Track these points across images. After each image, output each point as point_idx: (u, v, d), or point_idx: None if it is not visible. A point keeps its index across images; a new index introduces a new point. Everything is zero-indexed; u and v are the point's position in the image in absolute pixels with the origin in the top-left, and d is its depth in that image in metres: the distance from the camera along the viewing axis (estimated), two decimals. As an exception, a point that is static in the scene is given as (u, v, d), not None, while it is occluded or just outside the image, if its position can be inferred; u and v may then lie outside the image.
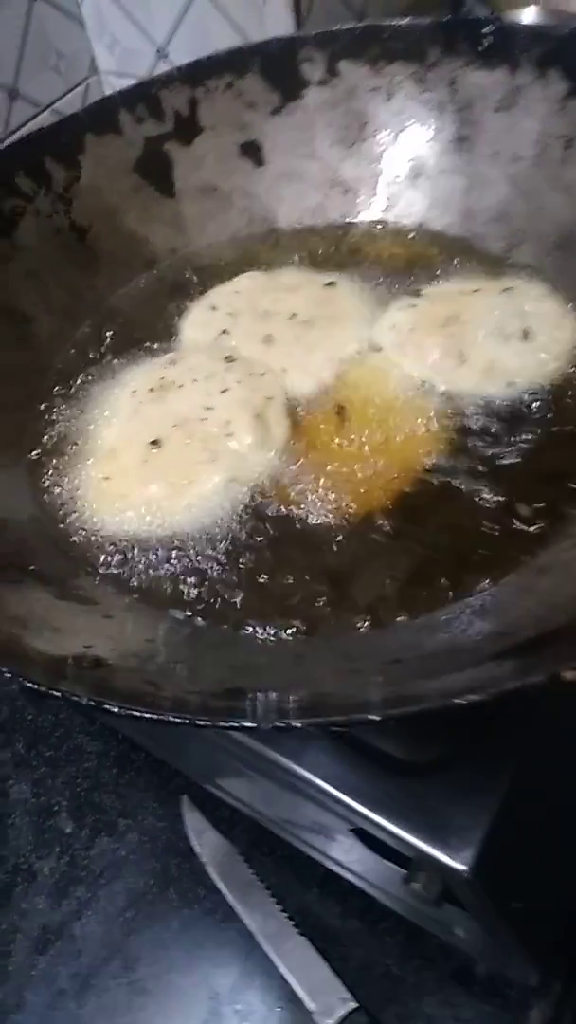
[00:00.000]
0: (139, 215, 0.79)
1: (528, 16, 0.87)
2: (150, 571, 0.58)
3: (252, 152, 0.81)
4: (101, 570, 0.58)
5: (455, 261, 0.74)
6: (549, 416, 0.62)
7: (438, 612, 0.53)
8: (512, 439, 0.61)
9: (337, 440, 0.62)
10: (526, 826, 0.59)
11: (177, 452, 0.61)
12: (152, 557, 0.58)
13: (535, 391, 0.63)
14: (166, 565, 0.58)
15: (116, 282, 0.77)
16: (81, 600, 0.56)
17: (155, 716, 0.39)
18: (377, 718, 0.38)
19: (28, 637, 0.48)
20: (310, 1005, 0.70)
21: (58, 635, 0.50)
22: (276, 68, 0.79)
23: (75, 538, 0.60)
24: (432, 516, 0.58)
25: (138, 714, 0.39)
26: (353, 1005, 0.70)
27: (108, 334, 0.74)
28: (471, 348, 0.64)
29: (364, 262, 0.76)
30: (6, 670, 0.44)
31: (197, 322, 0.72)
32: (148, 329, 0.74)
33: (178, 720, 0.38)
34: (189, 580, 0.57)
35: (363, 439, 0.61)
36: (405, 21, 0.75)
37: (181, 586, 0.57)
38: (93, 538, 0.60)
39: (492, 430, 0.61)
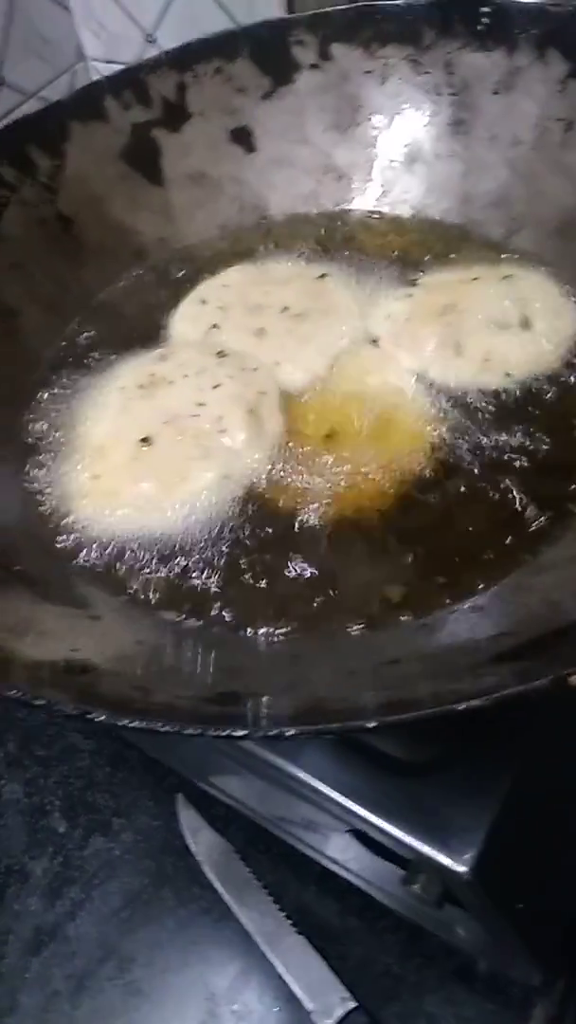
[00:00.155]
0: (126, 204, 0.77)
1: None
2: (141, 572, 0.56)
3: (243, 138, 0.79)
4: (90, 571, 0.57)
5: (453, 249, 0.72)
6: (549, 408, 0.60)
7: (437, 612, 0.52)
8: (511, 432, 0.59)
9: (332, 436, 0.60)
10: (528, 825, 0.58)
11: (168, 449, 0.60)
12: (143, 557, 0.57)
13: (535, 382, 0.61)
14: (157, 565, 0.56)
15: (104, 274, 0.75)
16: (69, 602, 0.54)
17: (142, 725, 0.37)
18: (372, 726, 0.37)
19: (10, 641, 0.46)
20: (308, 1005, 0.70)
21: (43, 639, 0.48)
22: (267, 52, 0.78)
23: (63, 537, 0.58)
24: (429, 513, 0.56)
25: (124, 723, 0.38)
26: (352, 1004, 0.69)
27: (96, 328, 0.72)
28: (468, 338, 0.62)
29: (359, 251, 0.75)
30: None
31: (187, 316, 0.71)
32: (137, 323, 0.72)
33: (166, 729, 0.37)
34: (181, 581, 0.55)
35: (358, 435, 0.60)
36: (399, 1, 0.74)
37: (173, 587, 0.55)
38: (82, 538, 0.58)
39: (490, 423, 0.60)
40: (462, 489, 0.57)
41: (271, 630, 0.53)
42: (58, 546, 0.58)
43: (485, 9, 0.71)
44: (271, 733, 0.38)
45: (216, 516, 0.57)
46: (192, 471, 0.58)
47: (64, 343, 0.71)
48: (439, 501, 0.57)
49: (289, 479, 0.58)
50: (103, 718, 0.38)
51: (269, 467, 0.59)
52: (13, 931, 0.77)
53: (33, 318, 0.71)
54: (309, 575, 0.55)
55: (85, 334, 0.72)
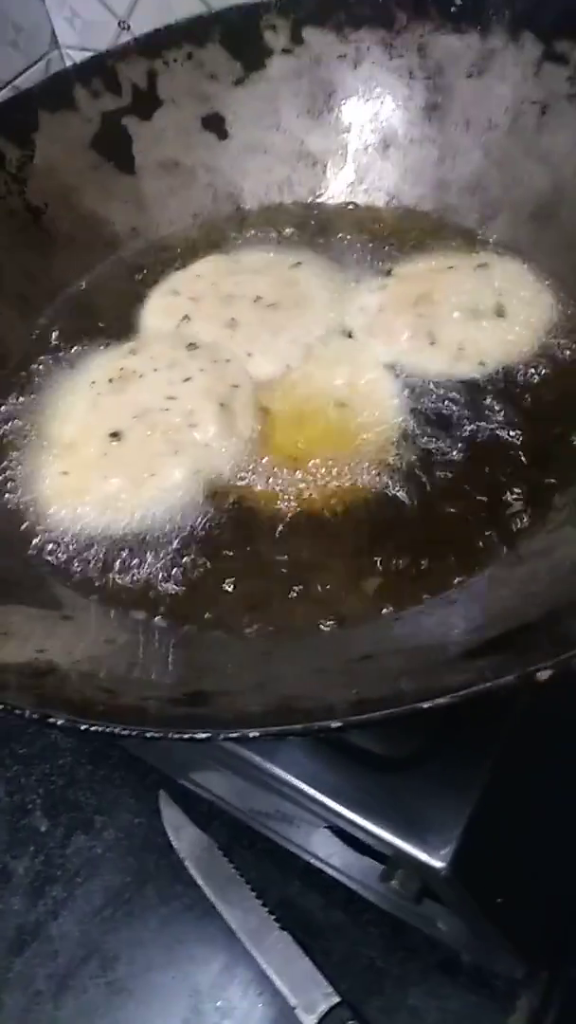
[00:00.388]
0: (98, 194, 0.76)
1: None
2: (111, 570, 0.55)
3: (215, 125, 0.78)
4: (60, 570, 0.56)
5: (428, 237, 0.71)
6: (524, 397, 0.59)
7: (410, 606, 0.51)
8: (486, 423, 0.58)
9: (303, 430, 0.59)
10: (506, 820, 0.58)
11: (138, 444, 0.59)
12: (113, 555, 0.56)
13: (509, 371, 0.60)
14: (128, 563, 0.55)
15: (75, 265, 0.74)
16: (38, 603, 0.53)
17: (103, 728, 0.37)
18: (337, 726, 0.36)
19: (-26, 643, 0.46)
20: (292, 1000, 0.69)
21: (8, 640, 0.47)
22: (238, 37, 0.76)
23: (32, 536, 0.57)
24: (402, 508, 0.55)
25: (85, 727, 0.37)
26: (335, 1000, 0.69)
27: (66, 321, 0.71)
28: (442, 328, 0.61)
29: (334, 240, 0.74)
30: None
31: (158, 308, 0.70)
32: (108, 316, 0.71)
33: (126, 733, 0.36)
34: (151, 578, 0.55)
35: (330, 428, 0.59)
36: (371, -17, 0.72)
37: (143, 585, 0.54)
38: (51, 536, 0.57)
39: (464, 414, 0.59)
40: (436, 482, 0.56)
41: (242, 628, 0.52)
42: (27, 545, 0.57)
43: (458, -10, 0.69)
44: (234, 735, 0.38)
45: (187, 512, 0.57)
46: (162, 466, 0.57)
47: (33, 337, 0.70)
48: (413, 495, 0.56)
49: (260, 474, 0.57)
50: (62, 722, 0.38)
51: (241, 462, 0.58)
52: (-5, 931, 0.77)
53: (1, 311, 0.70)
54: (281, 572, 0.54)
55: (55, 327, 0.71)
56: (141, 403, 0.61)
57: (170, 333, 0.67)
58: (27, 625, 0.50)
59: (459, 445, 0.58)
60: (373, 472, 0.57)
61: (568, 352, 0.61)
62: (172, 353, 0.64)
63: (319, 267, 0.70)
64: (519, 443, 0.57)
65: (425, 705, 0.36)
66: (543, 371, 0.60)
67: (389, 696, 0.39)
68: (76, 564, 0.56)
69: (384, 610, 0.51)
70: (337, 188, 0.78)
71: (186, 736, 0.37)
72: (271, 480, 0.57)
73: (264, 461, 0.58)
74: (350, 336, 0.65)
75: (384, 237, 0.73)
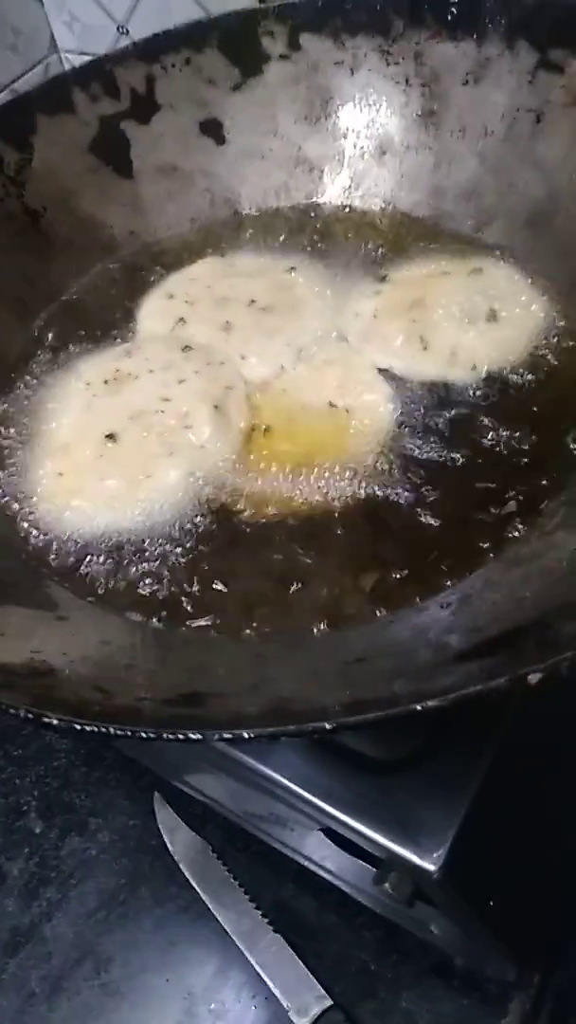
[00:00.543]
0: (96, 198, 0.76)
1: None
2: (106, 571, 0.55)
3: (213, 130, 0.78)
4: (56, 571, 0.56)
5: (423, 242, 0.72)
6: (517, 402, 0.60)
7: (403, 609, 0.51)
8: (479, 428, 0.59)
9: (297, 433, 0.60)
10: (498, 823, 0.58)
11: (133, 446, 0.59)
12: (109, 556, 0.56)
13: (502, 375, 0.61)
14: (123, 565, 0.56)
15: (72, 268, 0.74)
16: (35, 604, 0.54)
17: (96, 728, 0.37)
18: (329, 727, 0.37)
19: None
20: (285, 1003, 0.69)
21: (4, 641, 0.48)
22: (236, 43, 0.77)
23: (28, 537, 0.58)
24: (396, 511, 0.56)
25: (79, 727, 0.37)
26: (328, 1003, 0.69)
27: (63, 323, 0.71)
28: (434, 333, 0.62)
29: (330, 245, 0.74)
30: None
31: (153, 311, 0.70)
32: (104, 318, 0.71)
33: (120, 733, 0.37)
34: (148, 580, 0.55)
35: (323, 432, 0.59)
36: (368, -10, 0.73)
37: (139, 586, 0.55)
38: (47, 536, 0.57)
39: (457, 419, 0.59)
40: (429, 486, 0.56)
41: (237, 630, 0.52)
42: (23, 546, 0.57)
43: (454, -2, 0.70)
44: (228, 736, 0.38)
45: (182, 514, 0.57)
46: (157, 468, 0.58)
47: (30, 339, 0.70)
48: (405, 498, 0.56)
49: (254, 476, 0.58)
50: (57, 722, 0.38)
51: (235, 463, 0.59)
52: (-12, 933, 0.76)
53: (-1, 314, 0.70)
54: (275, 574, 0.54)
55: (51, 329, 0.71)
56: (136, 405, 0.61)
57: (165, 335, 0.68)
58: (23, 626, 0.51)
59: (451, 449, 0.58)
60: (366, 475, 0.57)
61: (560, 358, 0.61)
62: (167, 355, 0.64)
63: (314, 271, 0.71)
64: (511, 447, 0.58)
65: (418, 707, 0.36)
66: (535, 376, 0.60)
67: (382, 698, 0.39)
68: (72, 565, 0.56)
69: (378, 612, 0.51)
70: (333, 194, 0.78)
71: (180, 737, 0.37)
72: (265, 482, 0.57)
73: (258, 463, 0.59)
74: (344, 340, 0.65)
75: (380, 243, 0.73)
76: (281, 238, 0.76)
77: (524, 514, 0.54)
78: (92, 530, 0.57)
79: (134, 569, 0.55)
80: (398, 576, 0.53)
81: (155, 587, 0.54)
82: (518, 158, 0.70)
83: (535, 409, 0.59)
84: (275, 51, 0.77)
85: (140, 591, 0.55)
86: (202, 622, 0.53)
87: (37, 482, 0.60)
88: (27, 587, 0.55)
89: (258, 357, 0.64)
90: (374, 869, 0.58)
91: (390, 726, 0.51)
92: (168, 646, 0.52)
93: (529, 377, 0.60)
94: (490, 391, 0.60)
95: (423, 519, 0.55)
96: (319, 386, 0.62)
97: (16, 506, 0.59)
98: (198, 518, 0.57)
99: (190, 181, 0.79)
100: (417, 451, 0.58)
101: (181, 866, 0.77)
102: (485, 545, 0.53)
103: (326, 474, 0.57)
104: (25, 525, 0.58)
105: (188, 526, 0.56)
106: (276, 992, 0.70)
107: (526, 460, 0.57)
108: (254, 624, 0.52)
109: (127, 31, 1.00)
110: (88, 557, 0.56)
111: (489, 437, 0.58)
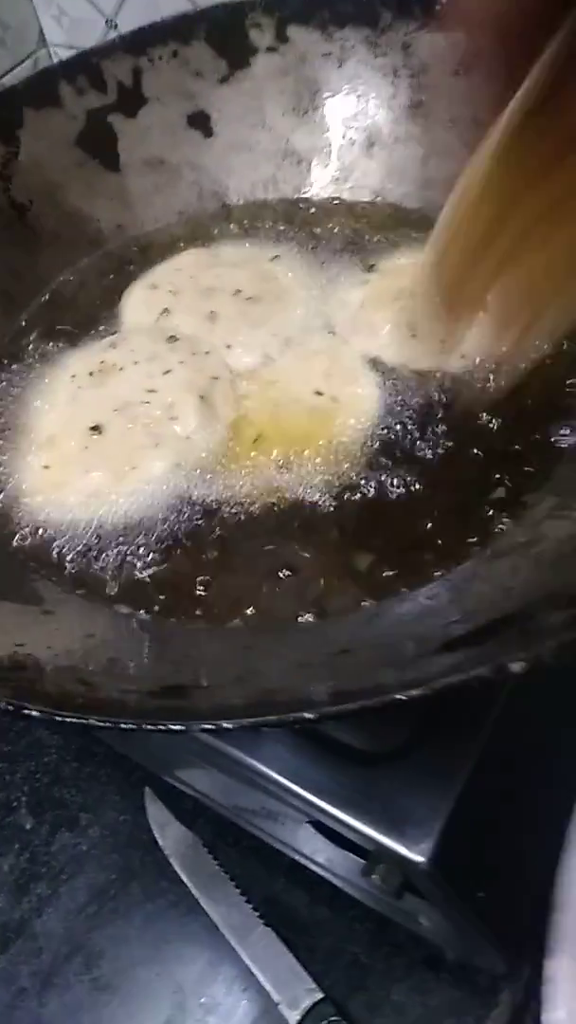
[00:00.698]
0: (83, 191, 0.76)
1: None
2: (92, 564, 0.55)
3: (200, 123, 0.78)
4: (42, 564, 0.56)
5: (412, 233, 0.71)
6: (505, 391, 0.59)
7: (389, 600, 0.51)
8: (467, 417, 0.59)
9: (283, 423, 0.60)
10: (487, 814, 0.58)
11: (119, 438, 0.59)
12: (95, 548, 0.56)
13: (490, 364, 0.60)
14: (109, 557, 0.55)
15: (59, 262, 0.74)
16: (20, 598, 0.53)
17: (77, 720, 0.37)
18: (312, 717, 0.36)
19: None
20: (276, 996, 0.69)
21: (-13, 634, 0.47)
22: (223, 35, 0.77)
23: (13, 530, 0.57)
24: (383, 502, 0.56)
25: (60, 718, 0.37)
26: (319, 996, 0.69)
27: (49, 316, 0.71)
28: (423, 320, 0.61)
29: (318, 237, 0.74)
30: None
31: (138, 302, 0.70)
32: (91, 311, 0.71)
33: (100, 724, 0.36)
34: (132, 572, 0.55)
35: (309, 422, 0.59)
36: (356, -19, 0.73)
37: (124, 579, 0.54)
38: (33, 531, 0.57)
39: (444, 408, 0.59)
40: (416, 477, 0.56)
41: (223, 621, 0.52)
42: (8, 539, 0.57)
43: (442, -12, 0.70)
44: (209, 726, 0.38)
45: (168, 505, 0.57)
46: (143, 459, 0.57)
47: (16, 332, 0.70)
48: (392, 489, 0.56)
49: (240, 467, 0.58)
50: (36, 713, 0.38)
51: (221, 454, 0.58)
52: (-22, 929, 0.76)
53: (-16, 307, 0.70)
54: (261, 565, 0.54)
55: (38, 323, 0.71)
56: (121, 396, 0.61)
57: (150, 326, 0.67)
58: (7, 620, 0.51)
59: (439, 439, 0.58)
60: (353, 465, 0.57)
61: (547, 347, 0.61)
62: (152, 346, 0.64)
63: (301, 261, 0.71)
64: (500, 438, 0.57)
65: (402, 696, 0.36)
66: (523, 366, 0.60)
67: (367, 688, 0.39)
68: (58, 558, 0.56)
69: (364, 603, 0.51)
70: (322, 186, 0.78)
71: (161, 727, 0.37)
72: (251, 473, 0.57)
73: (244, 454, 0.58)
74: (331, 330, 0.65)
75: (368, 234, 0.73)
76: (269, 230, 0.76)
77: (510, 505, 0.54)
78: (78, 522, 0.57)
79: (119, 562, 0.55)
80: (384, 567, 0.53)
81: (140, 580, 0.54)
82: (507, 149, 0.69)
83: (523, 400, 0.59)
84: (263, 43, 0.76)
85: (125, 584, 0.54)
86: (188, 614, 0.53)
87: (22, 475, 0.60)
88: (11, 581, 0.55)
89: (244, 347, 0.64)
90: (363, 861, 0.58)
91: (376, 716, 0.51)
92: (154, 638, 0.52)
93: (517, 367, 0.60)
94: (478, 380, 0.60)
95: (409, 509, 0.55)
96: (306, 376, 0.62)
97: (1, 499, 0.59)
98: (184, 509, 0.56)
99: (177, 174, 0.79)
100: (404, 441, 0.58)
101: (172, 861, 0.76)
102: (472, 536, 0.53)
103: (312, 464, 0.57)
104: (10, 518, 0.58)
105: (174, 518, 0.56)
106: (266, 985, 0.70)
107: (514, 451, 0.57)
108: (240, 616, 0.52)
109: (116, 25, 1.00)
110: (74, 550, 0.56)
111: (477, 427, 0.58)
